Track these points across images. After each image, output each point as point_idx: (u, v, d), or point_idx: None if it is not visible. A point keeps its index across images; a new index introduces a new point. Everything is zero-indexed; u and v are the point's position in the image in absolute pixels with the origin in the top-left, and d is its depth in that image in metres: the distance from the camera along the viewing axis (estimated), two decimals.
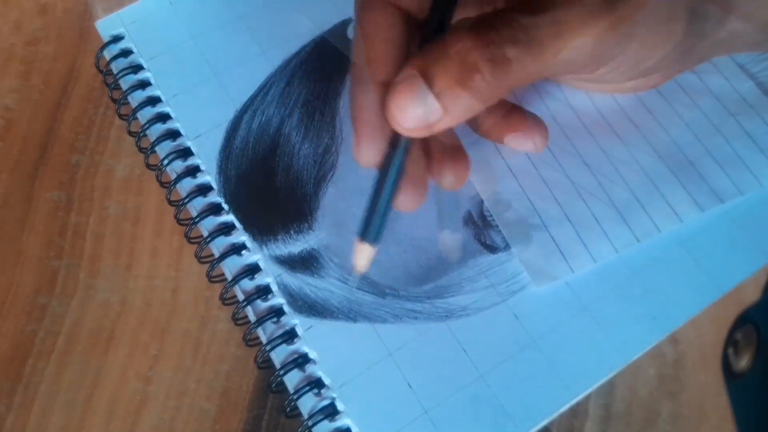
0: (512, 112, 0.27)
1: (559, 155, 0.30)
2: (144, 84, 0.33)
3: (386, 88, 0.22)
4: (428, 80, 0.21)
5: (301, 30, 0.34)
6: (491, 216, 0.29)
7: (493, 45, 0.20)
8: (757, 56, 0.32)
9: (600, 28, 0.22)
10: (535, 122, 0.27)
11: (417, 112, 0.21)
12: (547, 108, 0.31)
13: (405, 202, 0.24)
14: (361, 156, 0.24)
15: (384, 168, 0.23)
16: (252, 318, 0.28)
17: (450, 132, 0.26)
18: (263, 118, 0.32)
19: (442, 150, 0.25)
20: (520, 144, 0.27)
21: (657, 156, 0.30)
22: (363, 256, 0.24)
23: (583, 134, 0.31)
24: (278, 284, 0.28)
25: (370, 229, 0.23)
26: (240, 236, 0.29)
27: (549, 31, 0.21)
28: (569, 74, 0.28)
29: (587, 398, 0.27)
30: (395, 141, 0.23)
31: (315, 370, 0.27)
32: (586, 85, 0.30)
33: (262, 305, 0.28)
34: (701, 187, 0.29)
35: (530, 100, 0.31)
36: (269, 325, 0.28)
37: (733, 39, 0.27)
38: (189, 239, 0.30)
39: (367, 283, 0.28)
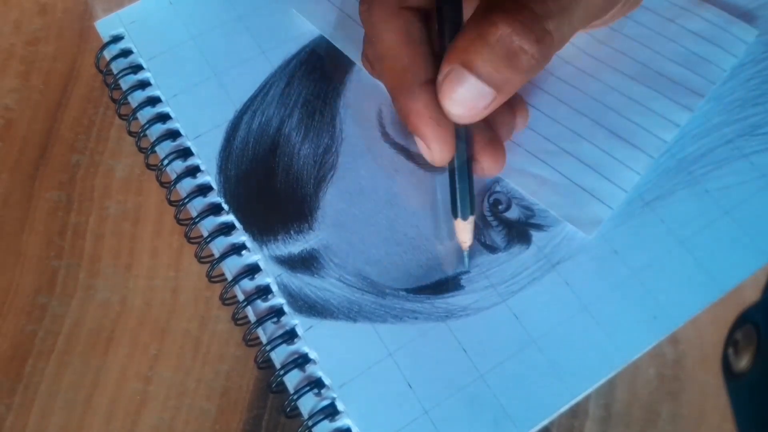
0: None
1: (548, 110, 0.31)
2: (144, 84, 0.33)
3: (433, 85, 0.23)
4: (472, 69, 0.21)
5: (301, 30, 0.34)
6: (491, 216, 0.29)
7: (533, 24, 0.21)
8: (757, 56, 0.32)
9: None
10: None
11: (471, 100, 0.22)
12: None
13: (490, 166, 0.26)
14: (435, 156, 0.24)
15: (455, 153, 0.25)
16: (252, 318, 0.28)
17: None
18: (263, 119, 0.32)
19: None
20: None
21: (630, 79, 0.31)
22: (465, 231, 0.26)
23: (556, 83, 0.32)
24: (278, 284, 0.28)
25: (461, 206, 0.26)
26: (240, 236, 0.29)
27: None
28: (588, 26, 0.28)
29: (587, 398, 0.27)
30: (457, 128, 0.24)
31: (315, 370, 0.27)
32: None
33: (262, 305, 0.28)
34: (679, 90, 0.31)
35: None
36: (269, 325, 0.28)
37: None
38: (189, 239, 0.30)
39: (367, 283, 0.28)
